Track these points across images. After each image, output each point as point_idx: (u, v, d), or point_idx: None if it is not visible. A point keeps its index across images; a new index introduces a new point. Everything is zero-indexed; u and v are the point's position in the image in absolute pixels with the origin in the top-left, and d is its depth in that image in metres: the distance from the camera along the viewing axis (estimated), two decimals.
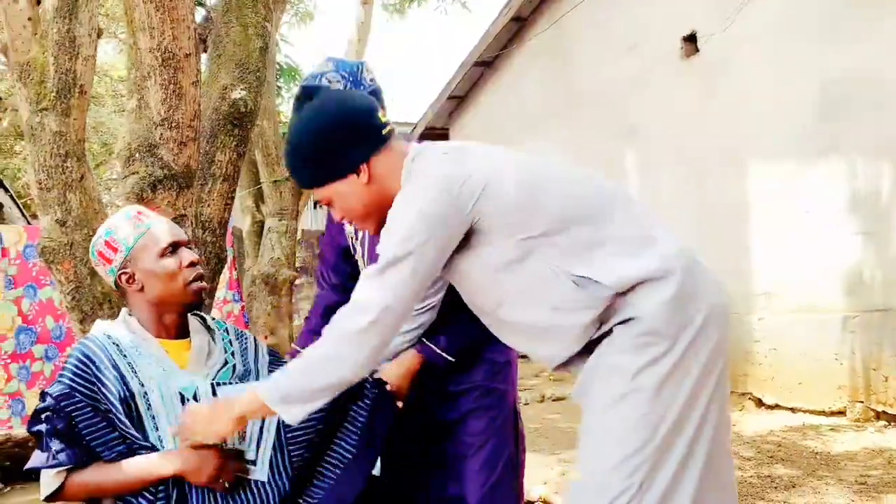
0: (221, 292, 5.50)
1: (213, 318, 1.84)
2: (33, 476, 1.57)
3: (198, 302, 1.73)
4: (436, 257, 1.43)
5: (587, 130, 6.91)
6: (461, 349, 1.88)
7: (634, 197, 1.60)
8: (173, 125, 2.35)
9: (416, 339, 1.89)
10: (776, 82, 5.04)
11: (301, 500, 1.65)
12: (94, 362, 1.58)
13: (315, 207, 12.86)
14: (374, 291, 1.41)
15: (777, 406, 5.00)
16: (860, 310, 4.58)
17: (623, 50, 6.39)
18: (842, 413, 4.60)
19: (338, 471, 1.67)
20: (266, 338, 5.60)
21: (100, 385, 1.56)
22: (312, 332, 2.18)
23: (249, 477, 1.62)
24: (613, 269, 1.41)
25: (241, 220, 6.54)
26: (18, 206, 13.43)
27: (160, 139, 2.35)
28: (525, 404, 5.58)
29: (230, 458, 1.58)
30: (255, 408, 1.49)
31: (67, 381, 1.55)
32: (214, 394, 1.65)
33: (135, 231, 1.68)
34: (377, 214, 1.55)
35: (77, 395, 1.54)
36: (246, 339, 1.82)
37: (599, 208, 1.48)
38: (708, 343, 1.42)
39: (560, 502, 3.35)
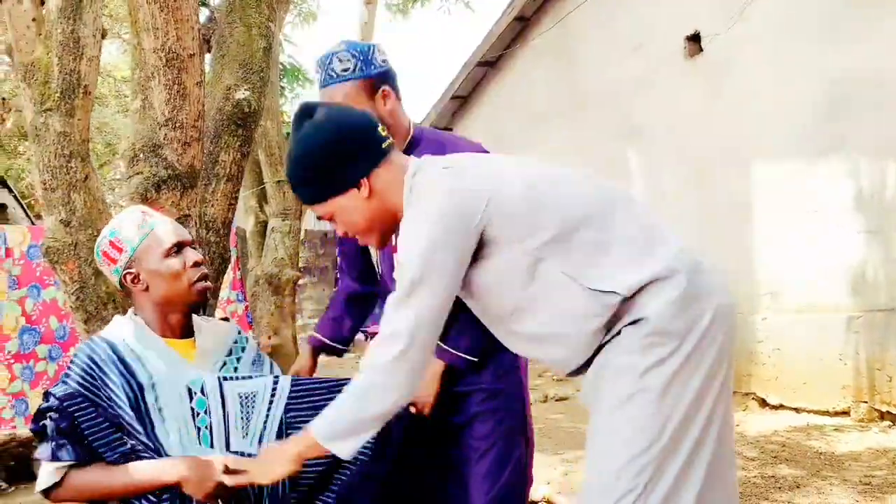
0: (225, 292, 5.50)
1: (240, 333, 1.86)
2: (36, 475, 1.58)
3: (202, 301, 1.74)
4: (453, 273, 1.44)
5: (591, 130, 6.90)
6: (482, 348, 1.86)
7: (635, 197, 1.60)
8: (177, 125, 2.35)
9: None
10: (780, 82, 5.04)
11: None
12: (98, 364, 1.59)
13: None
14: (400, 319, 1.43)
15: (781, 406, 5.00)
16: (864, 309, 4.57)
17: (627, 50, 6.39)
18: (846, 413, 4.59)
19: (350, 475, 1.66)
20: (269, 338, 5.61)
21: (105, 386, 1.57)
22: (333, 320, 2.21)
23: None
24: (622, 275, 1.41)
25: (244, 220, 6.56)
26: (22, 207, 13.47)
27: (164, 139, 2.35)
28: None
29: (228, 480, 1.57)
30: (308, 445, 1.50)
31: (72, 382, 1.56)
32: (221, 388, 1.66)
33: (139, 231, 1.69)
34: (379, 228, 1.56)
35: (81, 395, 1.54)
36: (262, 359, 1.83)
37: (602, 210, 1.48)
38: (714, 343, 1.42)
39: (563, 502, 3.35)
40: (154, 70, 2.30)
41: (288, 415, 1.70)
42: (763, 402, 5.13)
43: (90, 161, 2.53)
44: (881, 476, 3.48)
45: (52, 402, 1.55)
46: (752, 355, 5.21)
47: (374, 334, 8.08)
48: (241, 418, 1.66)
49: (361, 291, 2.19)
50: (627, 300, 1.41)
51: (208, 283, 1.76)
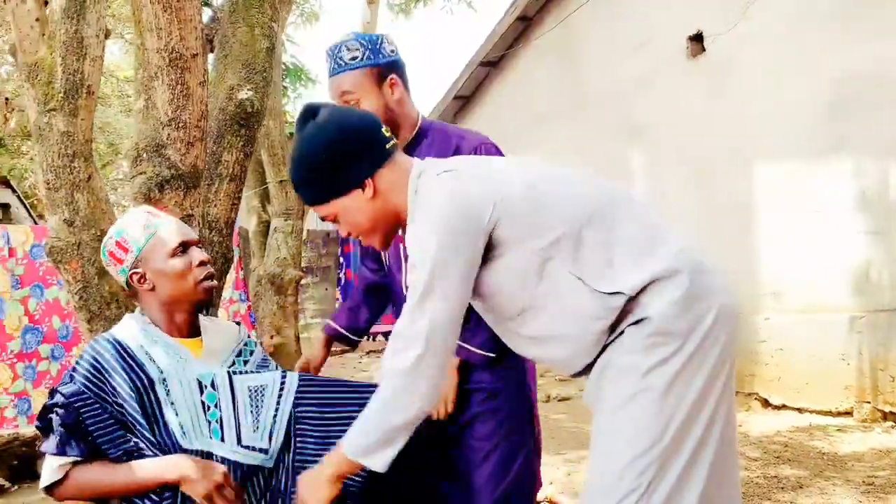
0: (227, 292, 5.51)
1: (249, 336, 1.87)
2: (39, 474, 1.58)
3: (208, 300, 1.76)
4: (464, 276, 1.43)
5: (593, 130, 6.90)
6: (498, 344, 1.83)
7: (635, 196, 1.60)
8: (180, 125, 2.35)
9: None
10: (782, 82, 5.03)
11: None
12: (104, 362, 1.61)
13: None
14: (414, 325, 1.42)
15: (784, 406, 4.99)
16: (867, 310, 4.56)
17: (629, 50, 6.38)
18: (849, 413, 4.58)
19: (358, 477, 1.66)
20: (272, 337, 5.61)
21: (111, 386, 1.58)
22: (350, 309, 2.23)
23: (259, 463, 1.63)
24: (625, 275, 1.41)
25: (247, 219, 6.56)
26: (25, 206, 13.50)
27: (167, 139, 2.35)
28: None
29: (230, 487, 1.57)
30: (342, 463, 1.50)
31: (79, 378, 1.58)
32: (231, 382, 1.67)
33: (145, 231, 1.71)
34: (383, 228, 1.57)
35: (87, 392, 1.55)
36: (268, 363, 1.84)
37: (603, 210, 1.48)
38: (717, 343, 1.42)
39: (566, 503, 3.35)
40: (157, 70, 2.31)
41: (297, 409, 1.71)
42: (766, 403, 5.13)
43: (93, 161, 2.54)
44: (884, 476, 3.48)
45: (58, 398, 1.56)
46: (755, 355, 5.20)
47: (377, 334, 8.07)
48: (251, 412, 1.67)
49: (380, 282, 2.18)
50: (631, 300, 1.41)
51: (214, 283, 1.77)
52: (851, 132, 4.61)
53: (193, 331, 1.74)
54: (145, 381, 1.60)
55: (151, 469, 1.54)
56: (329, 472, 1.51)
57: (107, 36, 2.60)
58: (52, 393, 1.59)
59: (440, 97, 9.42)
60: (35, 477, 4.09)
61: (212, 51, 3.25)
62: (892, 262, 4.44)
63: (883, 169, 4.48)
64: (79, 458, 1.54)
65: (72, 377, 1.59)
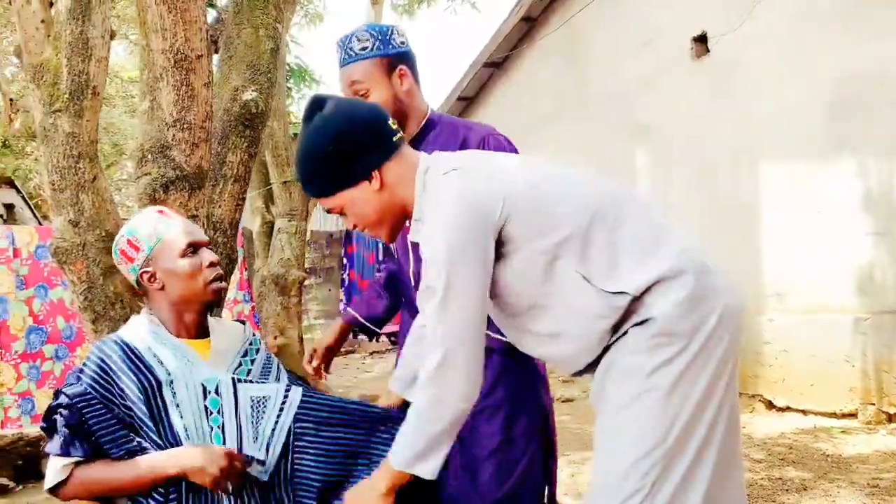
0: (232, 293, 5.52)
1: (254, 335, 1.87)
2: (43, 474, 1.59)
3: (217, 301, 1.77)
4: (480, 274, 1.43)
5: (597, 131, 6.90)
6: None
7: (639, 196, 1.60)
8: (185, 126, 2.36)
9: None
10: (787, 82, 5.02)
11: None
12: (112, 365, 1.62)
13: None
14: (438, 327, 1.42)
15: (788, 408, 4.98)
16: (872, 311, 4.55)
17: (634, 50, 6.38)
18: (853, 415, 4.57)
19: (362, 476, 1.66)
20: (276, 338, 5.62)
21: (119, 387, 1.59)
22: (369, 298, 2.22)
23: (255, 475, 1.63)
24: (630, 275, 1.42)
25: (251, 220, 6.57)
26: (30, 207, 13.54)
27: (172, 140, 2.36)
28: None
29: (236, 463, 1.58)
30: (392, 476, 1.49)
31: (85, 379, 1.59)
32: (235, 388, 1.67)
33: (156, 231, 1.72)
34: (390, 221, 1.57)
35: (92, 393, 1.56)
36: (271, 361, 1.84)
37: (607, 209, 1.48)
38: (721, 343, 1.42)
39: (570, 503, 3.34)
40: (162, 71, 2.31)
41: (297, 424, 1.71)
42: (770, 404, 5.12)
43: (98, 162, 2.54)
44: (889, 479, 3.47)
45: (62, 399, 1.57)
46: (759, 357, 5.19)
47: (383, 335, 8.05)
48: (252, 423, 1.67)
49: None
50: (635, 300, 1.41)
51: (223, 284, 1.78)
52: (856, 132, 4.60)
53: (202, 331, 1.75)
54: (153, 382, 1.60)
55: (152, 463, 1.55)
56: (383, 486, 1.50)
57: (112, 37, 2.60)
58: (57, 394, 1.59)
59: (444, 98, 9.42)
60: (39, 477, 4.10)
61: (216, 52, 3.26)
62: None
63: (888, 169, 4.47)
64: (82, 459, 1.55)
65: (79, 378, 1.59)
